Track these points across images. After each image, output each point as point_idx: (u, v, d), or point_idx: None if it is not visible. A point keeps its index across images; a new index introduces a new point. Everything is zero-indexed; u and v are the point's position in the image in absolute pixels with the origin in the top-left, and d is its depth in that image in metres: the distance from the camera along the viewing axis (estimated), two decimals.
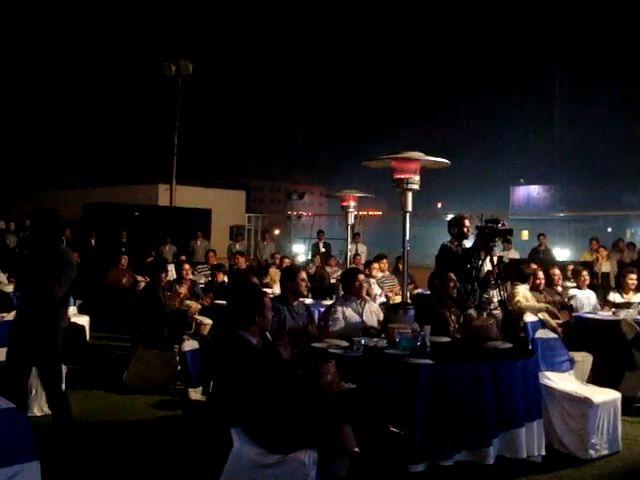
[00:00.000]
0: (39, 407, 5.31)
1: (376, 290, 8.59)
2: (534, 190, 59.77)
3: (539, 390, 4.63)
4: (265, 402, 3.60)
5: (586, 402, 4.72)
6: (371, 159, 5.37)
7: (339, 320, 5.31)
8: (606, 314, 7.18)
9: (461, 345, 4.95)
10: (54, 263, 4.38)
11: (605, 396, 4.89)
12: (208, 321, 7.30)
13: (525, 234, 21.52)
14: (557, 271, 7.76)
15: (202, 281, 9.63)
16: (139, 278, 10.28)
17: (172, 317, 6.92)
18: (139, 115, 59.73)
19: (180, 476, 4.29)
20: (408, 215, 5.24)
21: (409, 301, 5.71)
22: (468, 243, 6.61)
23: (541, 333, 5.38)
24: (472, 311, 5.93)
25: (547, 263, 10.03)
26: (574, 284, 8.23)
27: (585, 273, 8.00)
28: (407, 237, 5.23)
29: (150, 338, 6.69)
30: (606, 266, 12.04)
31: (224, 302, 7.64)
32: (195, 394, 4.66)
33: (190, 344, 4.85)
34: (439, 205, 43.47)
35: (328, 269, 11.74)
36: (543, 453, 4.49)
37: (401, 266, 6.58)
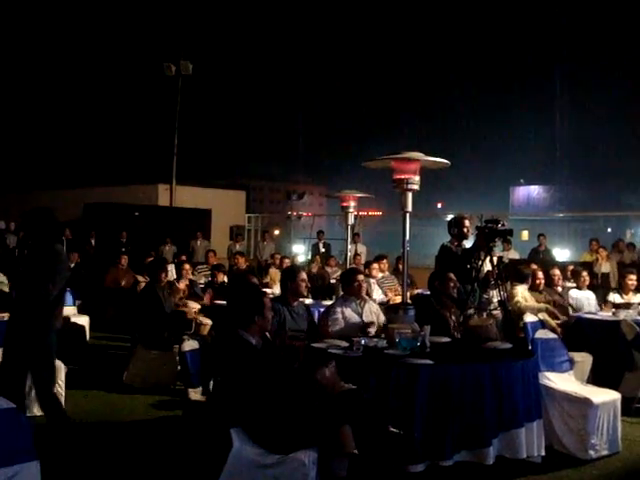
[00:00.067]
0: (39, 407, 5.29)
1: (376, 295, 8.50)
2: (534, 190, 59.84)
3: (539, 390, 4.63)
4: (265, 402, 3.60)
5: (586, 402, 4.72)
6: (371, 159, 5.36)
7: (338, 320, 5.32)
8: (606, 315, 7.17)
9: (461, 345, 4.95)
10: (48, 262, 4.37)
11: (605, 397, 4.88)
12: (208, 321, 7.29)
13: (525, 234, 21.50)
14: (557, 271, 7.78)
15: (202, 281, 9.62)
16: (139, 278, 10.27)
17: (172, 317, 6.92)
18: (139, 115, 59.91)
19: (180, 476, 4.29)
20: (408, 215, 5.24)
21: (409, 301, 5.72)
22: (468, 243, 6.60)
23: (541, 333, 5.38)
24: (472, 311, 5.92)
25: (547, 263, 10.04)
26: (574, 284, 8.24)
27: (585, 274, 8.01)
28: (407, 237, 5.23)
29: (150, 338, 6.70)
30: (606, 267, 12.03)
31: (224, 302, 7.64)
32: (195, 394, 4.65)
33: (190, 344, 4.84)
34: (439, 205, 43.40)
35: (328, 269, 11.74)
36: (543, 453, 4.49)
37: (401, 266, 6.58)
